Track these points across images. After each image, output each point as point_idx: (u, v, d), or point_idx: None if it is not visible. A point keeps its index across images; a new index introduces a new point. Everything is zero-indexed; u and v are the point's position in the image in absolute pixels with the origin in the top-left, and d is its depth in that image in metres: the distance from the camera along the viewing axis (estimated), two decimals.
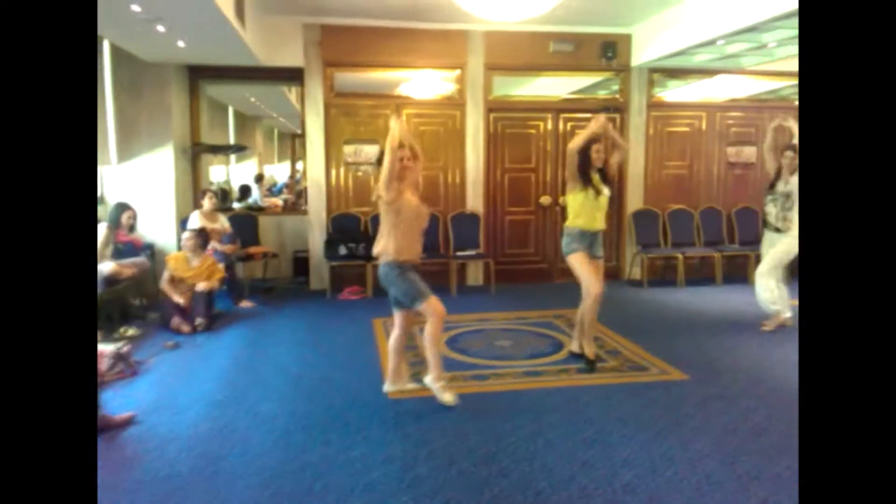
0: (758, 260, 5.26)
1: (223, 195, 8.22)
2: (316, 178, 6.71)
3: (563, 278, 4.33)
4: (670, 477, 2.65)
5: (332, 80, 6.65)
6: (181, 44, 5.35)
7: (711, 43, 5.80)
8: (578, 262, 4.05)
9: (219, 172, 9.35)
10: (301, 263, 6.94)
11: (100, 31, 5.27)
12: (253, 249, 6.51)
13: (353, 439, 3.04)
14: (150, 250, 6.11)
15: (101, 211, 6.21)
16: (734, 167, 7.26)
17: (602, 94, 7.28)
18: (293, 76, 6.77)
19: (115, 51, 6.02)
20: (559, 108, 7.12)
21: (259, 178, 10.47)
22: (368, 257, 6.18)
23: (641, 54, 6.77)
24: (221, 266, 5.60)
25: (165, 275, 5.23)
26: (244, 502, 2.48)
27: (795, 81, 7.49)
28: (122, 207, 5.43)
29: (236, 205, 8.16)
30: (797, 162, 4.87)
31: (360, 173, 6.72)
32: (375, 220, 3.77)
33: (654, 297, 6.39)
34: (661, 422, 3.22)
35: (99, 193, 6.29)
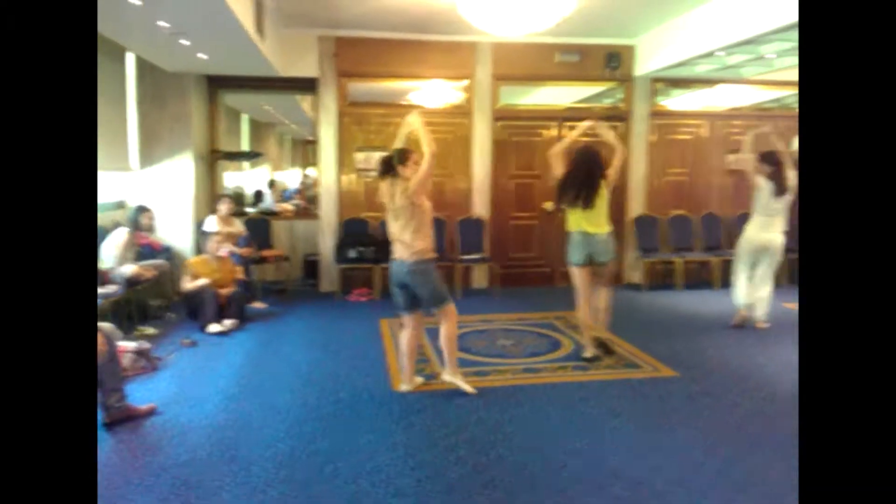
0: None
1: (238, 200, 8.50)
2: (328, 183, 6.96)
3: (564, 282, 4.54)
4: (655, 463, 2.84)
5: (345, 90, 6.90)
6: (203, 56, 5.62)
7: (712, 54, 5.98)
8: (574, 276, 4.36)
9: (233, 178, 9.64)
10: (311, 266, 7.18)
11: (126, 45, 5.56)
12: (266, 252, 6.76)
13: (360, 429, 3.25)
14: (168, 253, 6.37)
15: (122, 215, 6.50)
16: (734, 174, 7.42)
17: (607, 102, 7.48)
18: (308, 86, 7.03)
19: (140, 62, 6.30)
20: (564, 116, 7.32)
21: (272, 184, 10.75)
22: (377, 260, 6.41)
23: (644, 64, 6.97)
24: (239, 268, 5.86)
25: (187, 278, 5.46)
26: (258, 485, 2.69)
27: (796, 91, 7.67)
28: (141, 210, 5.67)
29: (250, 209, 8.42)
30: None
31: (369, 179, 6.95)
32: (384, 224, 3.98)
33: (653, 300, 6.57)
34: (650, 415, 3.42)
35: (121, 198, 6.57)
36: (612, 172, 4.38)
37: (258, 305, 6.14)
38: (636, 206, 7.39)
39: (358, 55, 6.76)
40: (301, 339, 5.05)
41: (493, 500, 2.55)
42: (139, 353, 4.23)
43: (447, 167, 7.08)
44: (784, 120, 7.49)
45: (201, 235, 6.05)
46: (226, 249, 5.97)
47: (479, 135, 7.08)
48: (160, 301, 6.00)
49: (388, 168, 3.62)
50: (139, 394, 3.71)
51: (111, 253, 5.17)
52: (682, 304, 6.31)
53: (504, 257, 7.27)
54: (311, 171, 10.45)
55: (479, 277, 7.22)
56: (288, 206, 9.45)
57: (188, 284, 5.42)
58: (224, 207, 6.30)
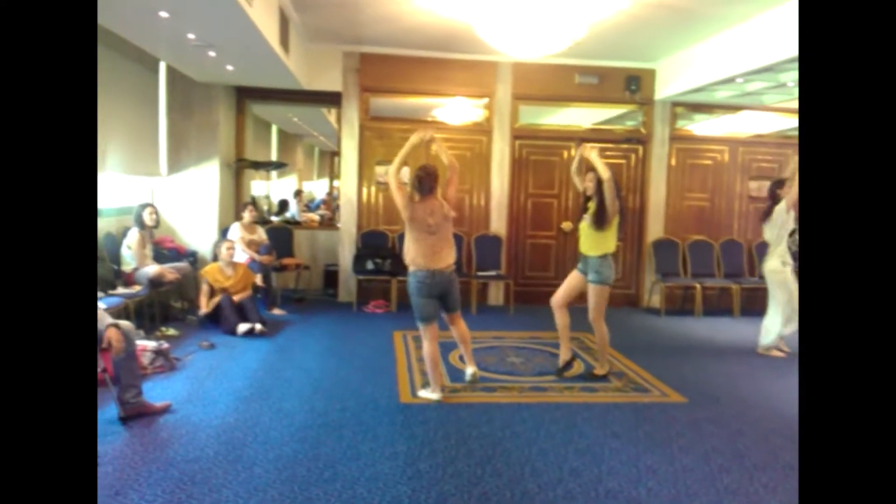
0: None
1: (260, 208, 8.70)
2: (348, 195, 7.10)
3: (580, 302, 4.55)
4: (651, 487, 2.84)
5: (367, 105, 7.06)
6: (230, 67, 5.84)
7: (731, 80, 6.00)
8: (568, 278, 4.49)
9: (260, 187, 9.87)
10: (331, 276, 7.31)
11: (157, 54, 5.80)
12: (287, 261, 6.91)
13: (363, 436, 3.31)
14: (193, 257, 6.56)
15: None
16: (756, 201, 7.36)
17: (630, 124, 7.53)
18: (332, 99, 7.21)
19: (171, 71, 6.56)
20: (583, 137, 7.35)
21: (298, 194, 10.97)
22: (394, 273, 6.51)
23: (664, 88, 7.00)
24: (258, 276, 6.01)
25: (204, 288, 5.62)
26: (259, 484, 2.77)
27: None
28: (143, 206, 5.62)
29: (274, 218, 8.61)
30: None
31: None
32: (402, 237, 4.11)
33: (669, 325, 6.53)
34: (652, 439, 3.41)
35: (149, 201, 6.80)
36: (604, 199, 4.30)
37: (277, 312, 6.27)
38: (655, 229, 7.38)
39: (380, 71, 6.93)
40: (315, 347, 5.15)
41: None
42: (158, 353, 4.37)
43: (466, 184, 7.17)
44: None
45: (222, 241, 6.21)
46: (246, 257, 6.13)
47: (497, 153, 7.17)
48: (182, 303, 6.17)
49: (431, 189, 3.92)
50: (156, 391, 3.84)
51: (127, 253, 5.34)
52: (699, 331, 6.26)
53: (520, 275, 7.32)
54: (338, 183, 10.64)
55: (495, 294, 7.26)
56: (313, 217, 9.63)
57: (204, 305, 5.56)
58: (247, 215, 6.47)
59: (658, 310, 7.06)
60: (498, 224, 7.20)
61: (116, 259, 5.38)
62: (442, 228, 3.90)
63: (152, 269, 5.37)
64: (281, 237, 7.14)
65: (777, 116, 7.51)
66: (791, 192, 5.09)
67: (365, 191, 7.14)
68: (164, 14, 4.15)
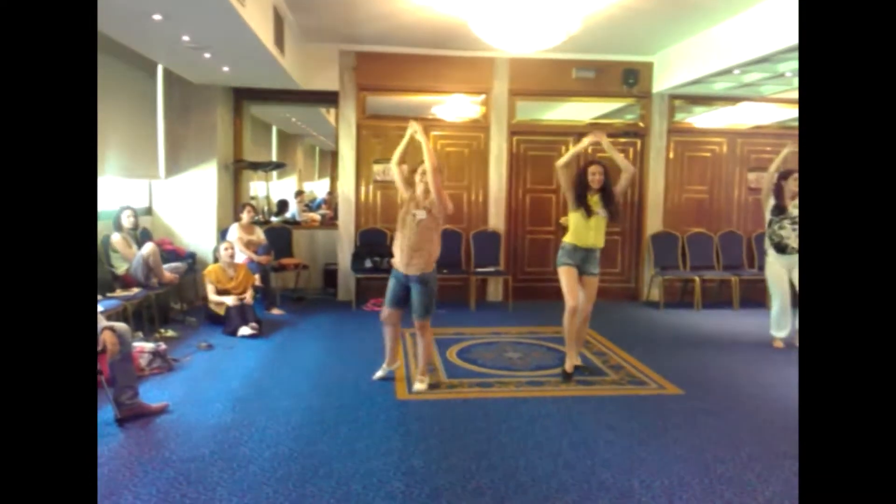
0: None
1: (261, 210, 8.72)
2: (346, 194, 7.12)
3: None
4: (645, 478, 2.84)
5: (364, 103, 7.07)
6: (226, 69, 5.85)
7: (728, 72, 5.97)
8: (562, 275, 4.29)
9: (260, 187, 9.89)
10: (331, 275, 7.33)
11: (153, 57, 5.82)
12: (286, 261, 6.93)
13: (359, 433, 3.32)
14: (192, 259, 6.58)
15: (150, 221, 6.75)
16: (755, 192, 7.33)
17: (628, 118, 7.51)
18: (329, 98, 7.22)
19: (167, 74, 6.58)
20: (580, 132, 7.31)
21: (298, 194, 10.98)
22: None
23: (662, 81, 6.98)
24: (256, 277, 6.03)
25: (210, 288, 5.64)
26: (254, 483, 2.78)
27: None
28: (122, 209, 5.53)
29: (274, 219, 8.63)
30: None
31: (392, 191, 7.08)
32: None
33: (668, 318, 6.52)
34: (647, 431, 3.41)
35: (147, 205, 6.83)
36: (616, 191, 4.36)
37: (276, 312, 6.29)
38: (654, 223, 7.36)
39: (377, 69, 6.93)
40: (313, 346, 5.16)
41: None
42: (156, 354, 4.39)
43: (463, 180, 7.18)
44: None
45: (221, 242, 6.23)
46: (244, 257, 6.15)
47: (495, 149, 7.17)
48: (182, 305, 6.20)
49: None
50: (153, 393, 3.86)
51: (115, 256, 5.34)
52: (698, 324, 6.25)
53: (519, 271, 7.31)
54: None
55: (494, 290, 7.26)
56: (314, 216, 9.65)
57: (213, 297, 5.59)
58: (246, 216, 6.49)
59: (657, 303, 7.04)
60: (496, 220, 7.20)
61: (112, 263, 5.40)
62: (433, 223, 3.96)
63: (146, 248, 5.35)
64: (280, 237, 7.16)
65: (776, 107, 7.47)
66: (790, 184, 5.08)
67: (363, 189, 7.15)
68: (157, 17, 4.17)
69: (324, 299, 7.16)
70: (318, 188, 14.47)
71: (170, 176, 6.89)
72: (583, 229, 4.26)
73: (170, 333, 5.32)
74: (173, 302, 6.14)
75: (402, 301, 4.03)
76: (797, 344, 5.18)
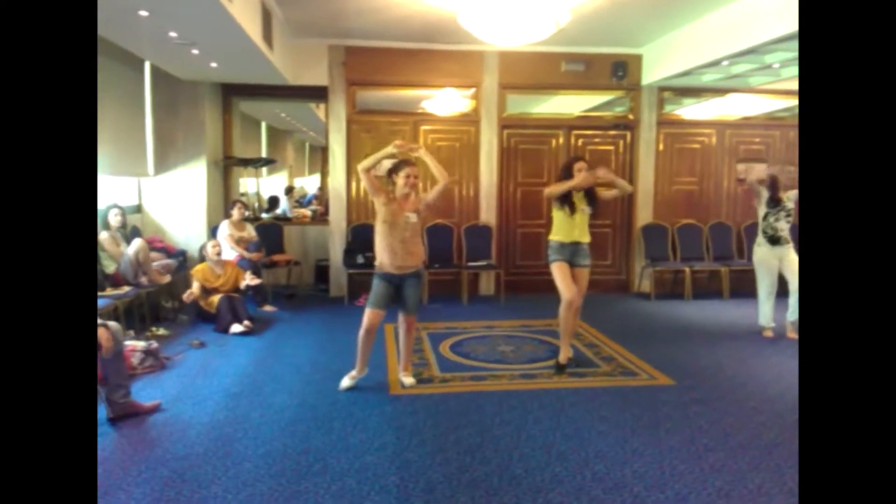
0: None
1: (251, 206, 8.68)
2: (337, 189, 7.10)
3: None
4: (637, 468, 2.87)
5: (354, 98, 7.05)
6: (214, 65, 5.81)
7: (716, 63, 6.00)
8: (555, 271, 4.31)
9: (250, 184, 9.86)
10: (322, 271, 7.32)
11: (141, 54, 5.77)
12: (277, 257, 6.91)
13: (353, 429, 3.33)
14: (182, 256, 6.55)
15: (140, 219, 6.71)
16: (744, 183, 7.38)
17: (618, 110, 7.53)
18: (319, 94, 7.19)
19: (155, 70, 6.52)
20: (571, 125, 7.38)
21: (289, 190, 10.94)
22: None
23: (651, 74, 7.00)
24: (248, 273, 6.00)
25: (195, 286, 5.59)
26: (248, 479, 2.78)
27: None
28: (109, 207, 5.50)
29: (264, 215, 8.60)
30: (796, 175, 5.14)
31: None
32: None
33: (659, 309, 6.56)
34: (640, 421, 3.44)
35: (136, 203, 6.78)
36: (604, 196, 4.44)
37: (268, 309, 6.28)
38: (644, 214, 7.40)
39: (366, 64, 6.91)
40: (306, 343, 5.16)
41: (474, 498, 2.61)
42: (148, 353, 4.38)
43: (454, 174, 7.17)
44: (794, 130, 7.49)
45: (210, 239, 6.20)
46: (235, 254, 6.13)
47: (486, 143, 7.17)
48: (173, 303, 6.17)
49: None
50: (146, 391, 3.85)
51: (103, 254, 5.30)
52: (689, 314, 6.30)
53: (511, 264, 7.34)
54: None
55: (486, 284, 7.28)
56: (306, 212, 9.62)
57: (195, 292, 5.53)
58: (236, 212, 6.46)
59: (648, 294, 7.09)
60: (487, 214, 7.21)
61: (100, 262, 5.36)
62: (419, 223, 4.00)
63: (134, 245, 5.31)
64: (271, 234, 7.14)
65: (763, 98, 7.52)
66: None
67: (354, 185, 7.13)
68: (143, 13, 4.13)
69: (316, 295, 7.15)
70: (309, 184, 14.41)
71: (159, 173, 6.84)
72: (567, 226, 4.29)
73: (161, 332, 5.30)
74: (164, 300, 6.11)
75: (391, 303, 3.99)
76: (787, 334, 5.24)
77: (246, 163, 8.05)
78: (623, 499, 2.61)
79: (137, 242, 5.35)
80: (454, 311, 6.39)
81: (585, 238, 4.33)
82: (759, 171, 7.17)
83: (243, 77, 6.65)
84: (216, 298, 5.50)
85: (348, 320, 5.92)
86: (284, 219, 8.40)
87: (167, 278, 5.78)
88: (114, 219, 5.43)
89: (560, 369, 4.32)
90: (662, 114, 7.41)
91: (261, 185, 10.83)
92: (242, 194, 8.43)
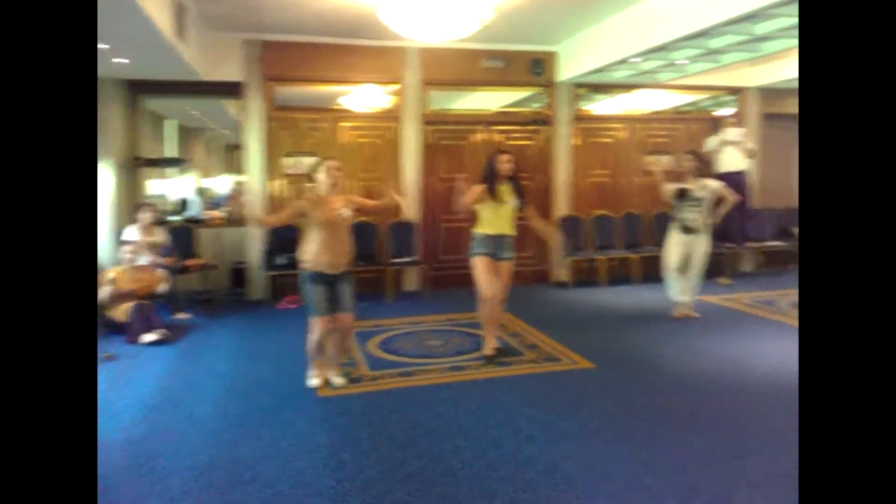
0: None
1: (161, 208, 8.24)
2: (255, 189, 6.87)
3: None
4: (567, 450, 2.99)
5: (272, 94, 6.83)
6: (120, 60, 5.45)
7: (626, 60, 6.26)
8: (477, 266, 4.34)
9: (160, 185, 9.35)
10: (239, 274, 7.06)
11: None
12: (190, 262, 6.59)
13: (282, 434, 3.25)
14: None
15: None
16: (652, 175, 7.78)
17: (535, 106, 7.73)
18: (234, 90, 6.91)
19: None
20: (490, 120, 7.52)
21: (201, 191, 10.48)
22: None
23: (566, 71, 7.23)
24: (162, 276, 5.71)
25: (106, 291, 5.24)
26: (176, 494, 2.65)
27: (710, 94, 8.21)
28: None
29: (174, 218, 8.18)
30: (695, 164, 5.48)
31: (302, 183, 6.90)
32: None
33: (577, 297, 6.83)
34: (565, 405, 3.58)
35: None
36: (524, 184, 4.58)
37: (181, 316, 5.98)
38: (561, 206, 7.65)
39: (285, 59, 6.72)
40: (225, 349, 4.96)
41: (410, 492, 2.62)
42: None
43: (377, 171, 7.13)
44: (697, 123, 8.00)
45: (120, 246, 5.85)
46: (147, 259, 5.80)
47: (408, 139, 7.16)
48: None
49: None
50: None
51: None
52: (604, 300, 6.60)
53: (435, 259, 7.38)
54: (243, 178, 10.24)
55: (410, 280, 7.29)
56: (218, 214, 9.22)
57: (107, 311, 5.20)
58: (145, 216, 6.11)
59: (567, 283, 7.35)
60: (411, 210, 7.21)
61: None
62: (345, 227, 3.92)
63: None
64: (182, 237, 6.79)
65: (670, 93, 7.97)
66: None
67: (274, 184, 6.92)
68: None
69: (233, 299, 6.89)
70: (221, 184, 13.84)
71: None
72: (493, 218, 4.31)
73: None
74: None
75: (332, 305, 3.86)
76: (678, 313, 5.60)
77: (154, 163, 7.63)
78: (556, 480, 2.71)
79: None
80: (380, 308, 6.35)
81: (510, 231, 4.39)
82: (665, 163, 7.61)
83: (152, 73, 6.28)
84: (125, 307, 5.19)
85: (270, 324, 5.77)
86: (196, 221, 8.02)
87: None
88: None
89: (489, 360, 4.40)
90: (577, 109, 7.68)
91: (170, 186, 10.31)
92: (150, 197, 7.98)
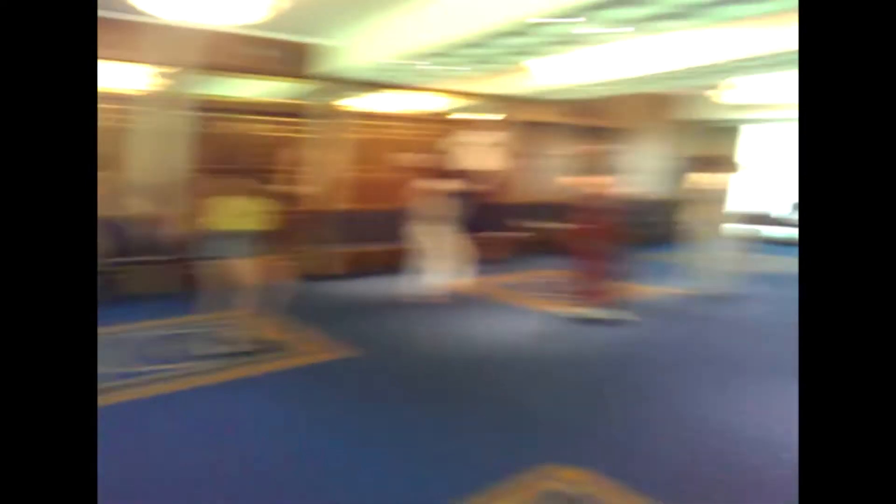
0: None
1: None
2: None
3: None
4: (337, 438, 3.27)
5: None
6: None
7: (401, 61, 6.42)
8: (223, 264, 4.37)
9: None
10: None
11: None
12: None
13: None
14: None
15: None
16: (403, 171, 8.33)
17: (309, 99, 7.77)
18: None
19: None
20: (253, 109, 7.44)
21: None
22: None
23: (339, 65, 7.26)
24: None
25: None
26: None
27: (478, 100, 9.03)
28: None
29: None
30: None
31: None
32: None
33: (327, 289, 7.03)
34: (333, 392, 3.92)
35: None
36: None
37: None
38: (328, 201, 7.85)
39: None
40: None
41: None
42: None
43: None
44: (447, 124, 8.90)
45: None
46: None
47: (167, 126, 6.69)
48: None
49: None
50: None
51: None
52: (364, 291, 6.96)
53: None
54: None
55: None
56: None
57: None
58: None
59: (332, 275, 7.55)
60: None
61: None
62: None
63: None
64: None
65: (434, 96, 8.59)
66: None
67: None
68: None
69: None
70: None
71: None
72: (225, 213, 4.33)
73: None
74: None
75: None
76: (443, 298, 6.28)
77: None
78: (314, 471, 2.92)
79: None
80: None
81: (254, 225, 4.39)
82: (411, 160, 8.26)
83: None
84: None
85: None
86: None
87: None
88: None
89: (246, 354, 4.45)
90: (345, 105, 7.94)
91: None
92: None
